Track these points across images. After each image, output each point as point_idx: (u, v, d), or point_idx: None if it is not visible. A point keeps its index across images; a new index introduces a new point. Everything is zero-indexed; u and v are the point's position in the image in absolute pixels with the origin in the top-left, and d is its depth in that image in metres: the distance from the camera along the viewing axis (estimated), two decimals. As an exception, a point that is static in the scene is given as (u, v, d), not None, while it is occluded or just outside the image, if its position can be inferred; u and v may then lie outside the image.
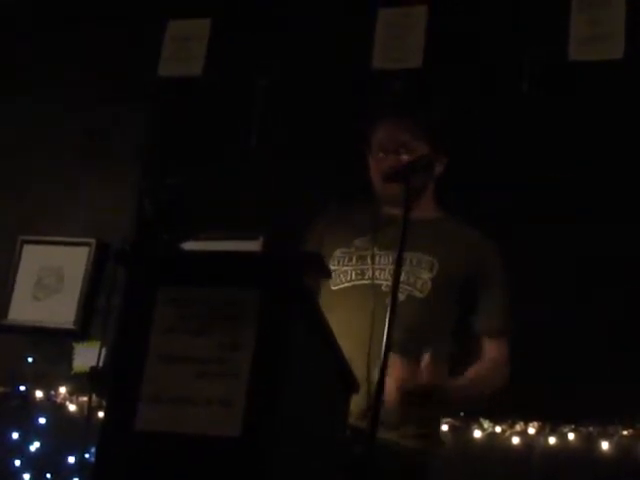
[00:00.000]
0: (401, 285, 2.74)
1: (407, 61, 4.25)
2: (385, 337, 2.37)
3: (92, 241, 4.68)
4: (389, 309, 2.39)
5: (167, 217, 2.29)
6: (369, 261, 2.85)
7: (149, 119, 4.79)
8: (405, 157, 2.85)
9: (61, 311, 4.61)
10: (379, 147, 2.91)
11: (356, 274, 2.87)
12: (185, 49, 4.62)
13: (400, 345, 2.61)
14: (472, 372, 2.85)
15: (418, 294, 2.82)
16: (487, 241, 2.96)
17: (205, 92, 4.64)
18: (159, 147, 4.79)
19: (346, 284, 2.86)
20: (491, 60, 4.24)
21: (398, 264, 2.46)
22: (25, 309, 4.68)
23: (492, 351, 2.91)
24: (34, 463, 4.41)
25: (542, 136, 4.11)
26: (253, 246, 4.00)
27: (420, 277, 2.83)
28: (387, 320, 2.38)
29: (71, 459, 4.33)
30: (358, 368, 2.51)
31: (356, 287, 2.86)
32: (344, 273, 2.88)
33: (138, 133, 4.80)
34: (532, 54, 4.05)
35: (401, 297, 2.74)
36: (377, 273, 2.84)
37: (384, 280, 2.80)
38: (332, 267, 2.83)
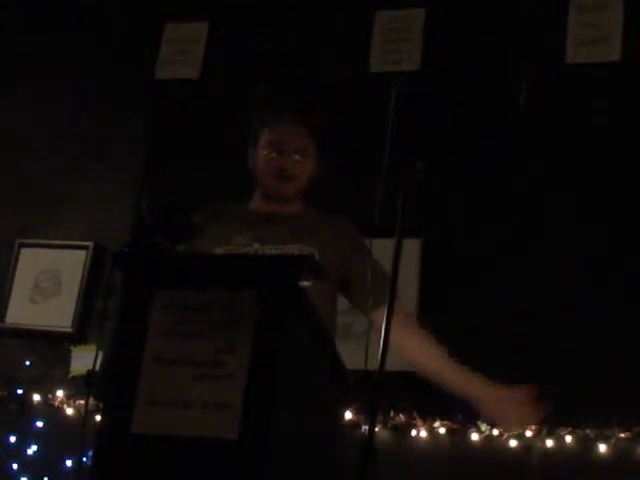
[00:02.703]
0: None
1: (405, 64, 4.26)
2: (381, 346, 2.34)
3: (89, 244, 4.67)
4: (385, 314, 2.35)
5: (164, 220, 2.30)
6: None
7: (147, 122, 4.79)
8: (297, 158, 2.96)
9: (58, 314, 4.61)
10: (273, 146, 2.99)
11: None
12: (182, 52, 4.63)
13: None
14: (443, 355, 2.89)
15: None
16: (353, 229, 3.05)
17: (203, 96, 4.64)
18: (157, 150, 4.79)
19: None
20: (488, 64, 4.25)
21: (396, 262, 2.43)
22: (22, 312, 4.68)
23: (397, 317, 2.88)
24: (31, 466, 4.40)
25: (539, 144, 4.11)
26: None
27: None
28: (383, 329, 2.35)
29: (69, 462, 4.32)
30: None
31: None
32: None
33: (136, 136, 4.80)
34: (530, 57, 4.06)
35: None
36: None
37: None
38: None
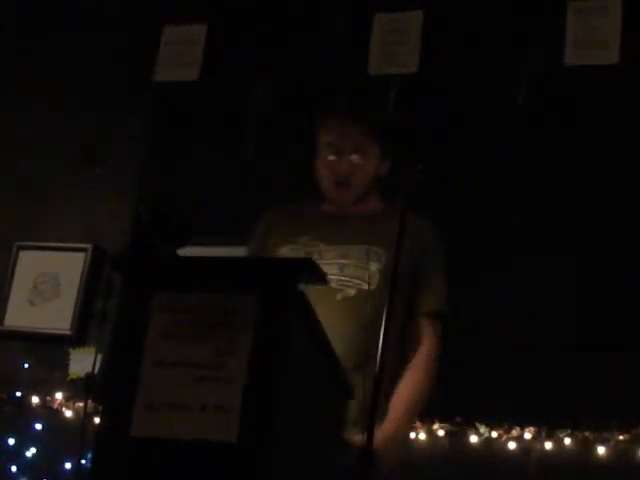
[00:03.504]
0: (350, 280, 2.75)
1: (403, 67, 4.26)
2: (380, 346, 2.34)
3: (88, 247, 4.67)
4: (384, 316, 2.37)
5: (163, 223, 2.30)
6: (317, 257, 2.79)
7: (146, 125, 4.79)
8: (356, 158, 2.84)
9: (57, 317, 4.60)
10: (330, 149, 2.87)
11: None
12: (181, 55, 4.63)
13: (354, 344, 2.63)
14: (403, 395, 2.77)
15: (367, 287, 2.76)
16: (427, 224, 2.91)
17: (203, 101, 4.64)
18: (156, 152, 4.79)
19: None
20: (487, 65, 4.25)
21: (395, 266, 2.43)
22: (21, 315, 4.68)
23: (427, 337, 2.83)
24: (30, 469, 4.40)
25: (538, 145, 4.12)
26: (240, 252, 3.98)
27: (368, 269, 2.78)
28: (382, 328, 2.36)
29: (67, 465, 4.32)
30: None
31: None
32: None
33: (135, 139, 4.80)
34: (528, 59, 4.06)
35: (352, 292, 2.74)
36: (326, 268, 2.81)
37: (333, 275, 2.74)
38: None
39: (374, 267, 2.78)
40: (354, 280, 2.77)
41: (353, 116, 2.87)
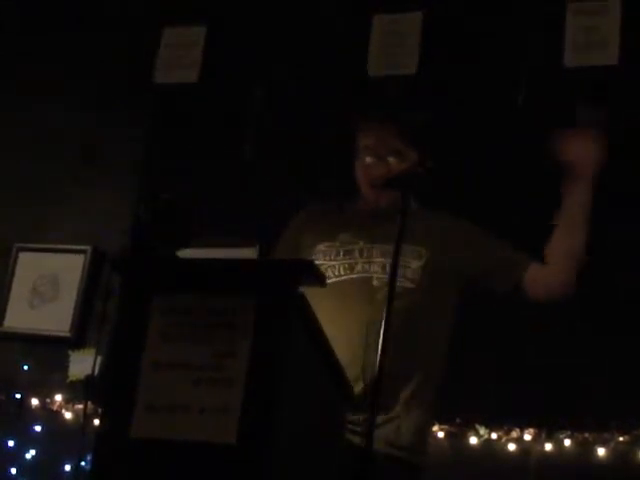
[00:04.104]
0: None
1: (402, 68, 4.26)
2: (382, 337, 2.34)
3: (88, 248, 4.67)
4: (385, 308, 2.37)
5: (163, 224, 2.29)
6: (357, 255, 2.83)
7: (145, 127, 4.79)
8: (393, 162, 2.85)
9: (57, 318, 4.60)
10: (368, 152, 2.89)
11: (344, 268, 2.83)
12: (181, 56, 4.63)
13: (396, 342, 2.62)
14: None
15: (409, 284, 2.78)
16: (467, 222, 2.95)
17: (202, 102, 4.64)
18: (155, 155, 4.79)
19: (334, 279, 2.81)
20: (487, 66, 4.25)
21: (394, 264, 2.43)
22: (21, 316, 4.68)
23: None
24: (30, 471, 4.40)
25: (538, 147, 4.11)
26: (249, 253, 4.01)
27: (409, 266, 2.79)
28: (383, 323, 2.36)
29: (67, 467, 4.32)
30: (352, 363, 2.51)
31: (346, 281, 2.81)
32: (332, 267, 2.84)
33: (134, 141, 4.80)
34: (528, 60, 4.06)
35: None
36: (367, 266, 2.82)
37: (374, 273, 2.78)
38: (317, 261, 2.79)
39: (415, 264, 2.81)
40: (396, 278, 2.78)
41: (391, 120, 2.89)
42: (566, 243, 2.83)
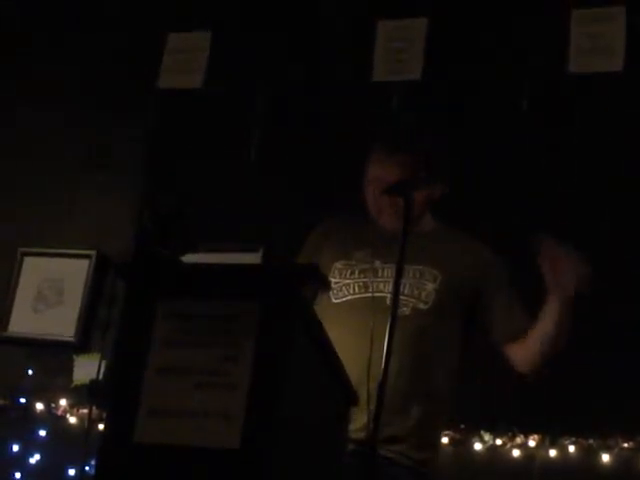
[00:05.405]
0: (406, 298, 2.75)
1: (407, 73, 4.26)
2: (385, 351, 2.36)
3: (92, 253, 4.67)
4: (389, 324, 2.39)
5: (167, 229, 2.30)
6: (372, 274, 2.83)
7: (150, 131, 4.79)
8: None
9: (61, 323, 4.61)
10: (376, 183, 2.85)
11: (359, 287, 2.85)
12: (186, 62, 4.64)
13: (408, 362, 2.68)
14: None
15: (422, 306, 2.80)
16: (484, 247, 2.95)
17: (206, 105, 4.65)
18: (159, 159, 4.79)
19: (349, 297, 2.83)
20: (491, 73, 4.26)
21: (397, 276, 2.45)
22: (25, 321, 4.68)
23: None
24: (34, 475, 4.40)
25: (542, 153, 4.12)
26: (253, 258, 3.99)
27: (424, 289, 2.81)
28: (387, 335, 2.38)
29: (71, 471, 4.32)
30: (361, 383, 2.51)
31: (359, 300, 2.83)
32: (346, 286, 2.85)
33: (138, 145, 4.81)
34: (532, 67, 4.06)
35: (406, 311, 2.75)
36: (381, 286, 2.82)
37: (388, 293, 2.76)
38: (333, 279, 2.83)
39: (430, 287, 2.81)
40: (410, 299, 2.79)
41: (399, 150, 2.86)
42: (543, 334, 2.82)
